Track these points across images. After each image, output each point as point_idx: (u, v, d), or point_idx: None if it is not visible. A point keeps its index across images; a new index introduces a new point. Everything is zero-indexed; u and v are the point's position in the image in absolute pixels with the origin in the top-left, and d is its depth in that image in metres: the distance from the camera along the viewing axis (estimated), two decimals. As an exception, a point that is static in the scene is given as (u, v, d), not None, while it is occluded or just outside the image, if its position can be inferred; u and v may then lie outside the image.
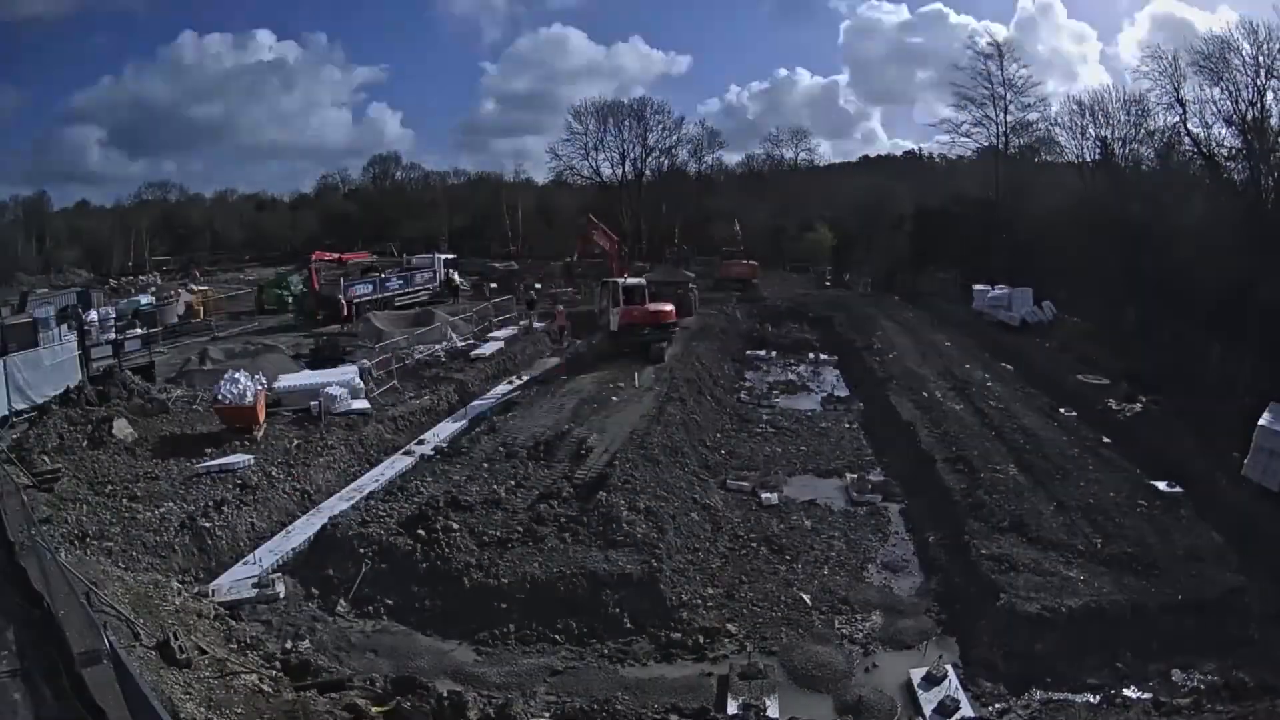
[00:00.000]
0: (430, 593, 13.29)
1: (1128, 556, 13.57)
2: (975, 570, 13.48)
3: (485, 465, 17.92)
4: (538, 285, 40.87)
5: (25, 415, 19.29)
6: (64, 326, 22.60)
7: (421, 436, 21.08)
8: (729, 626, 12.53)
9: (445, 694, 10.41)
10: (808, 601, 13.22)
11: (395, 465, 18.87)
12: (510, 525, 14.64)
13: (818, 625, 12.77)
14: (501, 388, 25.92)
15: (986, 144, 46.38)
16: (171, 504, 15.48)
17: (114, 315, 29.74)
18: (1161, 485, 16.63)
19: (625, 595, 12.80)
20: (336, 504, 16.48)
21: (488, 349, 29.34)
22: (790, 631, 12.55)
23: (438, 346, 28.98)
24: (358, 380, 22.38)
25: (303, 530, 15.42)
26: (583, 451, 17.95)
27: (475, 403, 24.11)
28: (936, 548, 15.03)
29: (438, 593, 13.28)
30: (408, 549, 13.99)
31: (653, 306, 28.16)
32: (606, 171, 68.47)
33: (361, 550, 14.13)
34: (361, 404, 21.50)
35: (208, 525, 15.04)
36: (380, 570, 13.78)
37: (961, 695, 10.67)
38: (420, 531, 14.37)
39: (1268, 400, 17.17)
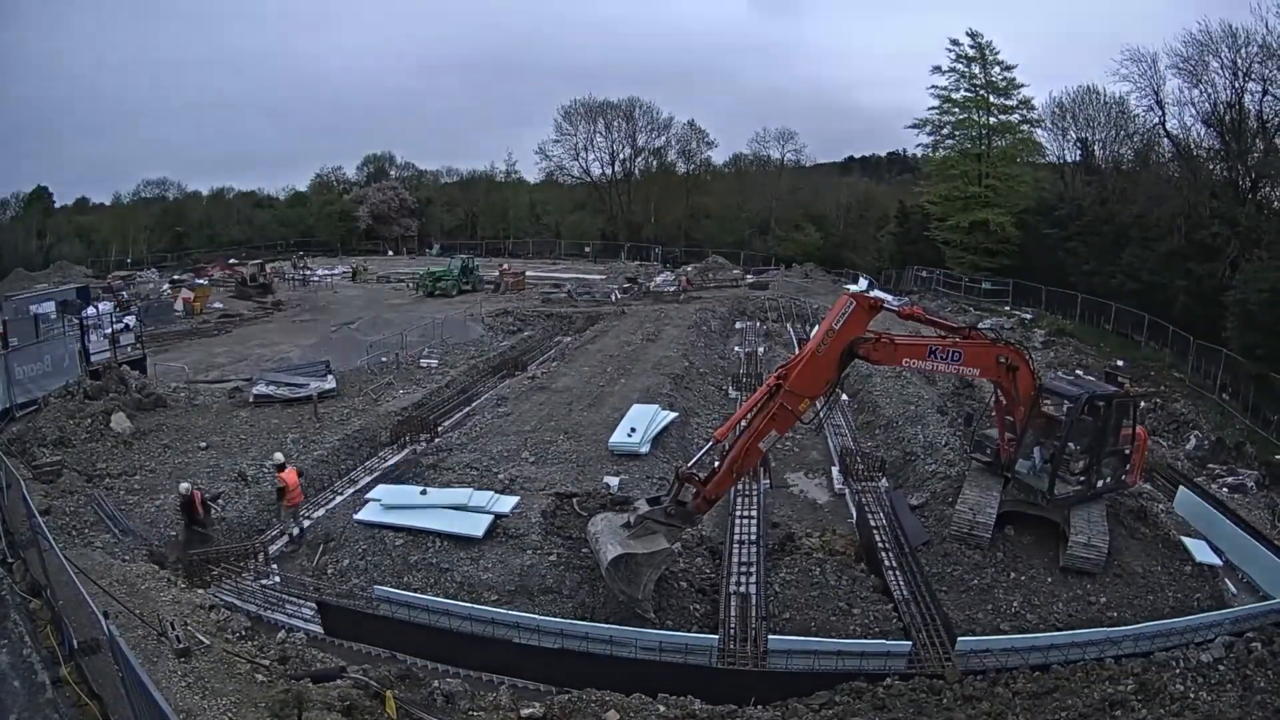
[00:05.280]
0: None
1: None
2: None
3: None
4: None
5: (26, 409, 19.54)
6: (64, 321, 22.84)
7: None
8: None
9: (437, 684, 10.70)
10: None
11: (388, 460, 19.11)
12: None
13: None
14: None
15: (969, 145, 46.68)
16: (168, 496, 15.72)
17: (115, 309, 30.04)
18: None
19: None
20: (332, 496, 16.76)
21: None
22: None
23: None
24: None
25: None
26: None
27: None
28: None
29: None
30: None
31: None
32: (596, 171, 68.96)
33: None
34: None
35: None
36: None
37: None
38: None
39: (1245, 398, 17.52)
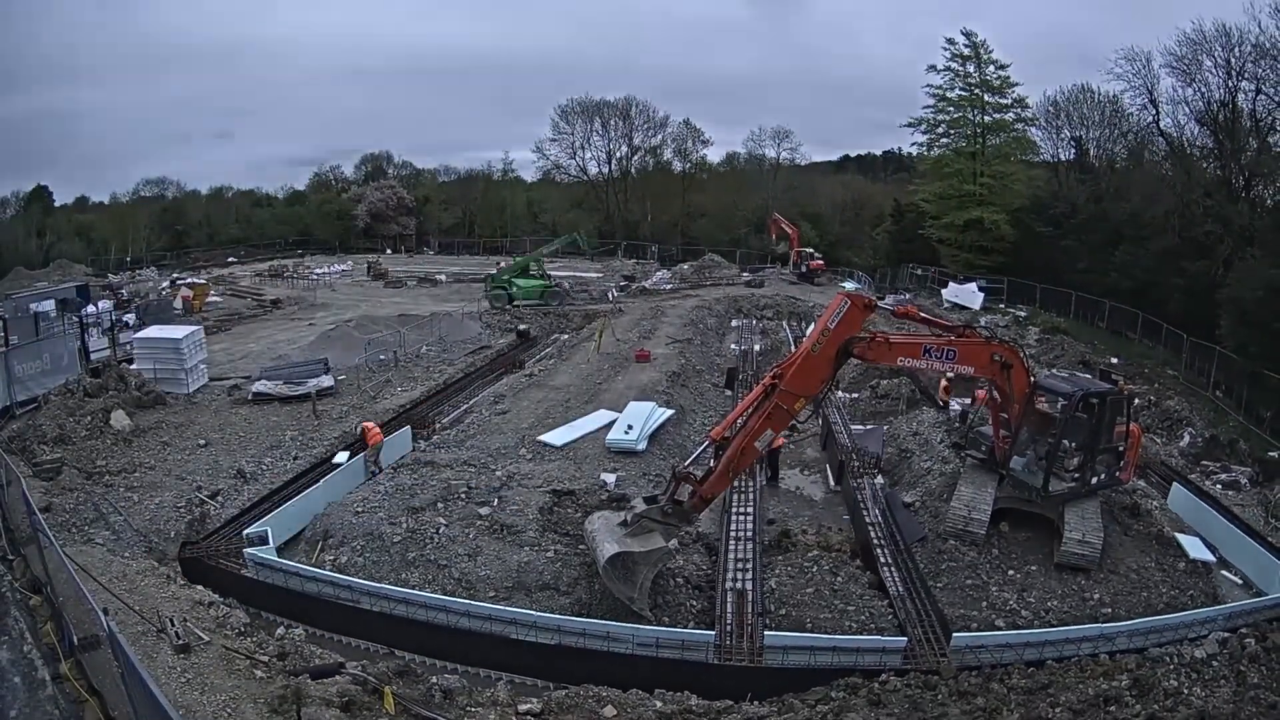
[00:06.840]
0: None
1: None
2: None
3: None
4: None
5: (26, 407, 19.59)
6: (64, 319, 22.91)
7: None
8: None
9: (435, 680, 10.76)
10: None
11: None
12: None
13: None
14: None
15: (964, 143, 46.80)
16: (168, 494, 15.77)
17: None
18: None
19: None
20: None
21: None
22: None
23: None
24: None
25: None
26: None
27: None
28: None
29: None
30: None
31: None
32: (593, 170, 69.07)
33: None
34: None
35: (201, 514, 15.39)
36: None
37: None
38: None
39: (1237, 395, 17.59)
